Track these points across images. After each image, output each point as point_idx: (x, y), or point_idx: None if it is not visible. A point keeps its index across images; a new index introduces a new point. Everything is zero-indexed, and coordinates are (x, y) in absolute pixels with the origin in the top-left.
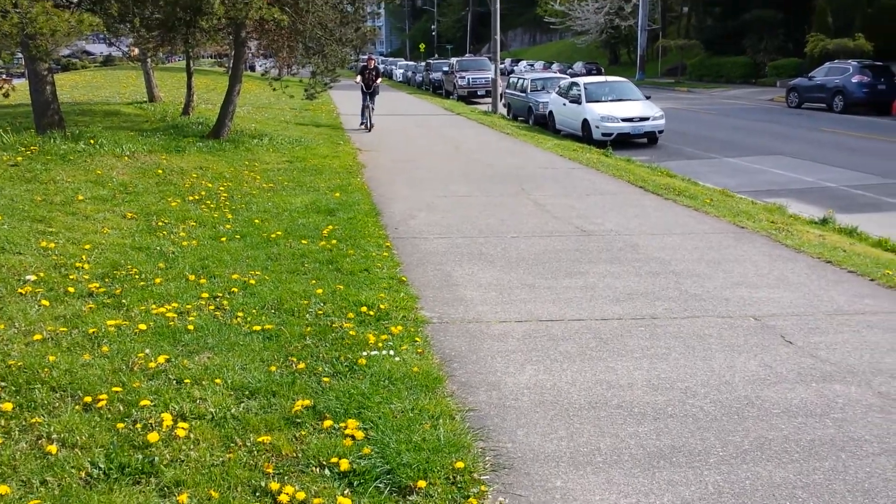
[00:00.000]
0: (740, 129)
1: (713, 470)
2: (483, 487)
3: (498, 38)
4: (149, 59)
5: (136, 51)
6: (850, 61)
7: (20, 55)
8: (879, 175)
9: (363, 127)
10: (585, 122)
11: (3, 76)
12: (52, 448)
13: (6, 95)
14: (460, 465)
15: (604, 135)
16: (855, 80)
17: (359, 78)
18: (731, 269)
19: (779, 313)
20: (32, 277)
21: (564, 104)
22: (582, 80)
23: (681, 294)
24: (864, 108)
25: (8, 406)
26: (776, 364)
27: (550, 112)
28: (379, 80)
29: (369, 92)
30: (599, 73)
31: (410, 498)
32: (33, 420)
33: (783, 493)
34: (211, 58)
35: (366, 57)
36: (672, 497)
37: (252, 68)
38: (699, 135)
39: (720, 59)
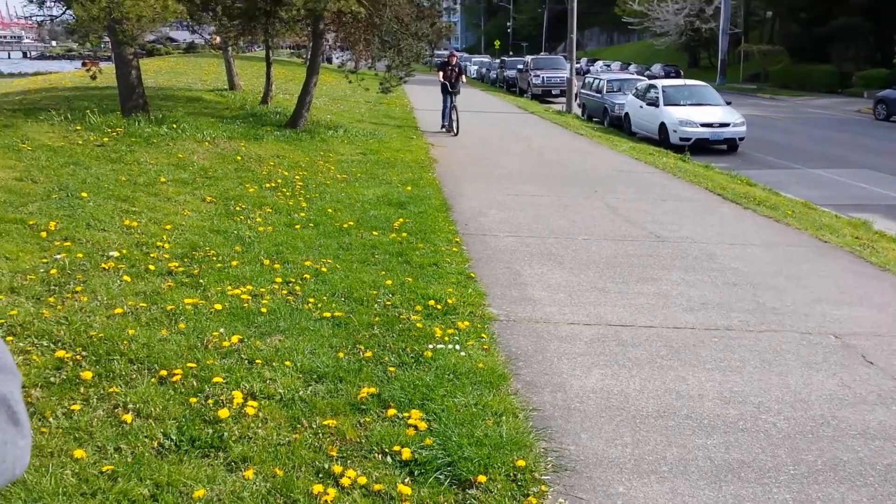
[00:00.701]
0: (825, 139)
1: (783, 488)
2: (543, 487)
3: (574, 36)
4: (230, 48)
5: (218, 39)
6: None
7: (107, 39)
8: None
9: (445, 130)
10: (663, 126)
11: (92, 59)
12: (128, 417)
13: (94, 77)
14: (521, 463)
15: (681, 139)
16: None
17: (441, 75)
18: (812, 284)
19: (861, 332)
20: (115, 254)
21: (641, 106)
22: (660, 83)
23: (758, 307)
24: None
25: (88, 375)
26: (855, 384)
27: (626, 114)
28: (463, 78)
29: (453, 91)
30: (678, 76)
31: (470, 491)
32: (111, 390)
33: None
34: (289, 48)
35: (447, 52)
36: None
37: (329, 60)
38: (782, 144)
39: (805, 67)
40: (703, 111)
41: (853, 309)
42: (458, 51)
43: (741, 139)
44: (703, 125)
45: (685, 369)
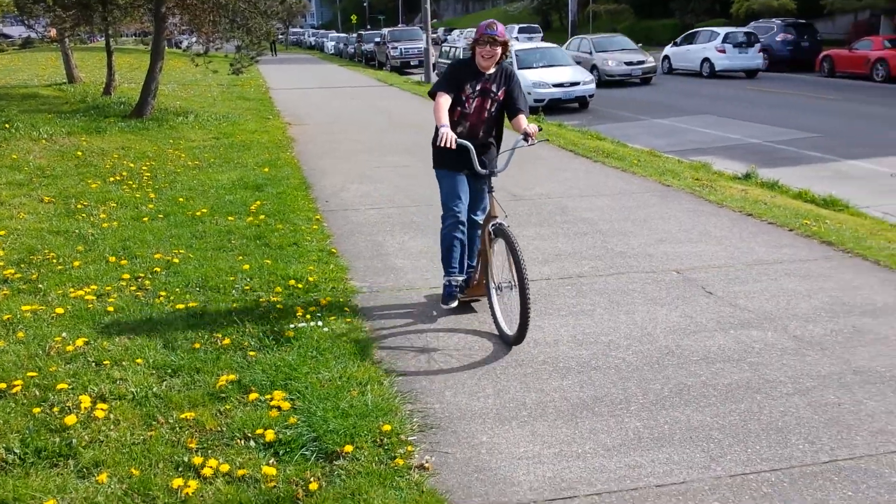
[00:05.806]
0: (670, 91)
1: (633, 417)
2: (410, 448)
3: (429, 7)
4: (67, 40)
5: (54, 31)
6: (774, 20)
7: None
8: (801, 129)
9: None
10: None
11: None
12: None
13: None
14: (387, 427)
15: (536, 101)
16: (779, 38)
17: (442, 102)
18: (656, 226)
19: (700, 266)
20: None
21: None
22: (513, 48)
23: (607, 252)
24: (788, 66)
25: None
26: (696, 314)
27: None
28: (524, 123)
29: (483, 174)
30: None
31: (337, 462)
32: None
33: (700, 434)
34: (134, 36)
35: (478, 32)
36: (593, 444)
37: (178, 45)
38: (630, 98)
39: (649, 23)
40: (555, 72)
41: (693, 245)
42: (314, 27)
43: (591, 96)
44: (556, 85)
45: (541, 318)
